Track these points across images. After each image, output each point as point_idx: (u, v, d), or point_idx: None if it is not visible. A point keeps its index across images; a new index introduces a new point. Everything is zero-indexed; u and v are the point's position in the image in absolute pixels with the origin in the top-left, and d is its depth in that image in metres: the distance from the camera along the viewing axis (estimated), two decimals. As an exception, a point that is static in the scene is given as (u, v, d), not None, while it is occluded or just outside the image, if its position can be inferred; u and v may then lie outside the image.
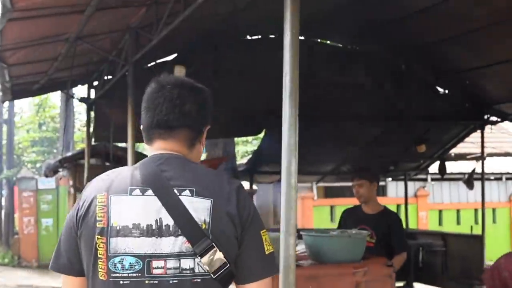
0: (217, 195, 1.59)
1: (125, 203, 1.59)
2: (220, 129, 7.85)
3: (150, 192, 1.59)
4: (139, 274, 1.55)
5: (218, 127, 7.83)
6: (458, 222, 14.70)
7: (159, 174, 1.61)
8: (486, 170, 8.90)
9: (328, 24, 6.71)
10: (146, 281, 1.55)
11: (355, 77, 7.53)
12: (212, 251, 1.53)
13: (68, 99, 7.91)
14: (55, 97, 21.96)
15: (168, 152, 1.68)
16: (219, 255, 1.54)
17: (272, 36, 7.78)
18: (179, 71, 6.34)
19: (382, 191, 13.78)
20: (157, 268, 1.55)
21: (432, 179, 14.27)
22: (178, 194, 1.57)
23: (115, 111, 6.57)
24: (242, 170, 9.34)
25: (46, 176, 10.36)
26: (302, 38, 7.95)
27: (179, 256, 1.55)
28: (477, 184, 9.54)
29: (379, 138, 8.43)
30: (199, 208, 1.56)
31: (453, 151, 9.65)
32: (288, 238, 1.99)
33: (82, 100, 7.36)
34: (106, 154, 7.90)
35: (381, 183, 11.43)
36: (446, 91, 8.17)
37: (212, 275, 1.55)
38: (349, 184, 11.79)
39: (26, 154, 23.42)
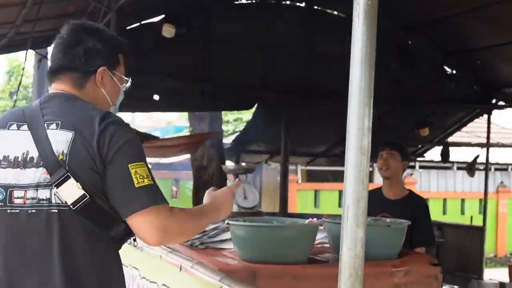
0: (81, 129, 1.63)
1: (1, 137, 1.71)
2: (207, 102, 7.19)
3: (25, 127, 1.69)
4: (2, 204, 1.65)
5: (205, 99, 7.19)
6: (444, 212, 14.30)
7: (37, 110, 1.70)
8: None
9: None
10: (8, 211, 1.64)
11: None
12: (68, 181, 1.59)
13: (40, 59, 7.09)
14: (28, 65, 20.88)
15: (58, 91, 1.76)
16: (75, 186, 1.59)
17: (269, 1, 7.12)
18: (168, 32, 5.68)
19: (370, 178, 13.24)
20: (18, 198, 1.63)
21: (420, 167, 13.79)
22: (46, 127, 1.65)
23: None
24: (228, 149, 8.65)
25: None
26: (302, 5, 7.33)
27: (37, 186, 1.62)
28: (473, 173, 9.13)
29: (379, 120, 7.82)
30: (59, 140, 1.62)
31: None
32: (356, 230, 1.31)
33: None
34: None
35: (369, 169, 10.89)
36: (454, 72, 7.62)
37: (71, 206, 1.60)
38: (338, 168, 11.05)
39: (-6, 124, 22.36)
